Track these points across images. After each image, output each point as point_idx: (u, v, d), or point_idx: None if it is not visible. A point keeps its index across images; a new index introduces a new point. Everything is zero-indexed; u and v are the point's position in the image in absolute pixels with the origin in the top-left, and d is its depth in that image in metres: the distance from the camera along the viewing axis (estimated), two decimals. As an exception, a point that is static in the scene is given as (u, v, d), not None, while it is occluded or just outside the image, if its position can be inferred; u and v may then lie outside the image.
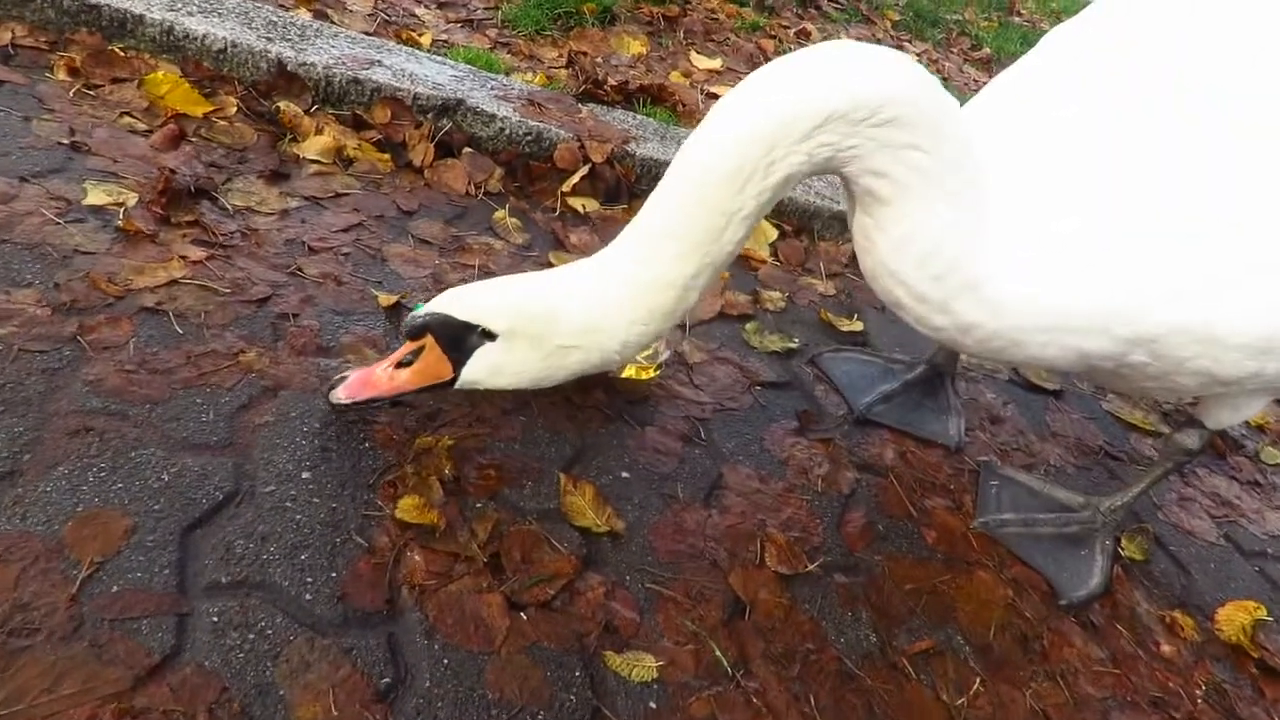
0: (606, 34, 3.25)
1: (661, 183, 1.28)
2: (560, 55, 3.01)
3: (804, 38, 3.85)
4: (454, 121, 2.34)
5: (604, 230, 2.28)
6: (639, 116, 2.63)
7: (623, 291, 1.31)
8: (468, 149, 2.33)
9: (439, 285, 1.88)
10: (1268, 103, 1.31)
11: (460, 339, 1.38)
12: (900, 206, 1.25)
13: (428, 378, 1.42)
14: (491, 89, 2.47)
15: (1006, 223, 1.30)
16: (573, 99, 2.59)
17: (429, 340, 1.40)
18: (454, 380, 1.41)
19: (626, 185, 2.41)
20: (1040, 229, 1.30)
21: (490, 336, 1.36)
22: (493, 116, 2.35)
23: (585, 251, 2.15)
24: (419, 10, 3.01)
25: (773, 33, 3.79)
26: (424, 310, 1.39)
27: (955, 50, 4.55)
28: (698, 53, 3.39)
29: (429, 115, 2.32)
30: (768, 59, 3.53)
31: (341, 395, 1.45)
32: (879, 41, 4.26)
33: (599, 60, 3.06)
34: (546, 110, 2.46)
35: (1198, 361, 1.35)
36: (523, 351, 1.36)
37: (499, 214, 2.18)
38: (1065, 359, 1.38)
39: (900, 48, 4.33)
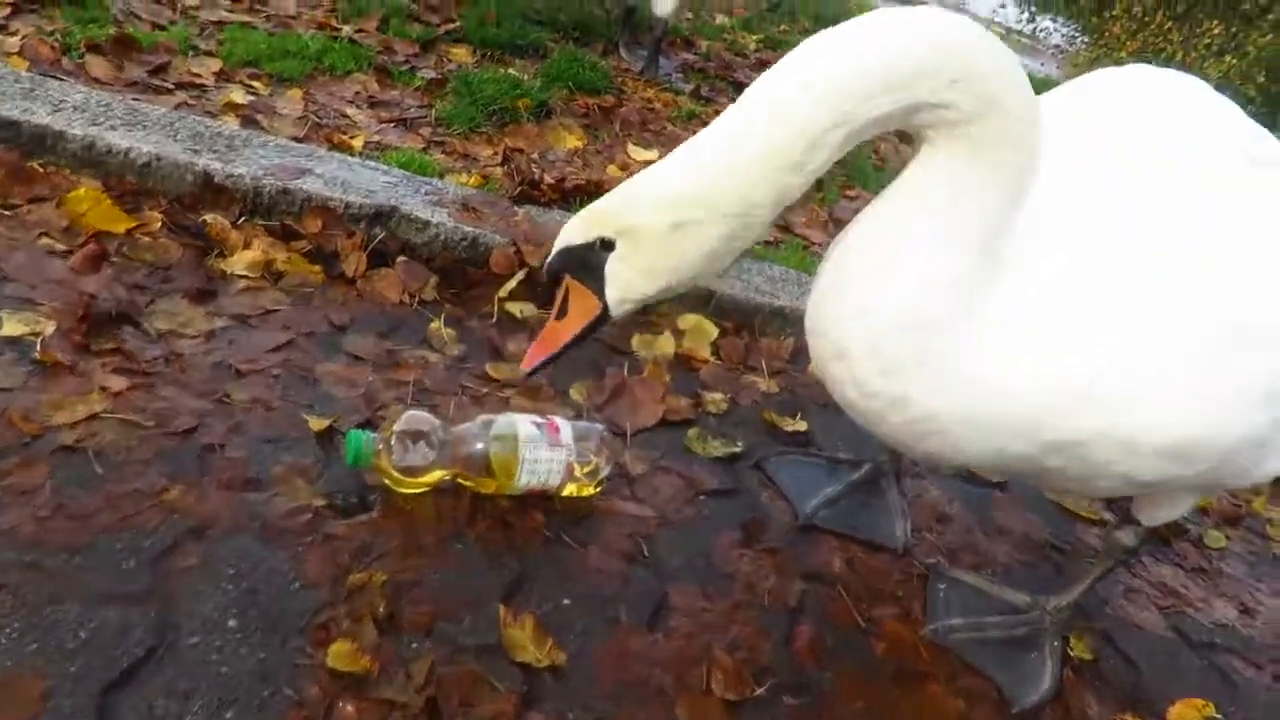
0: (542, 129, 3.34)
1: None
2: (495, 153, 3.08)
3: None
4: (387, 229, 2.38)
5: (542, 336, 2.32)
6: (576, 216, 2.70)
7: (739, 145, 1.26)
8: (401, 257, 2.36)
9: (372, 406, 1.89)
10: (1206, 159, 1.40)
11: (589, 264, 1.37)
12: (942, 218, 1.28)
13: (582, 318, 1.42)
14: (425, 194, 2.52)
15: (995, 303, 1.33)
16: (508, 201, 2.65)
17: (567, 280, 1.41)
18: (606, 310, 1.40)
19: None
20: (1005, 312, 1.33)
21: (610, 246, 1.35)
22: (427, 223, 2.40)
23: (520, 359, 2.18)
24: (350, 111, 3.07)
25: (708, 120, 3.92)
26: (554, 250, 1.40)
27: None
28: (634, 144, 3.49)
29: (361, 224, 2.36)
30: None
31: (525, 367, 1.49)
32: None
33: (535, 156, 3.13)
34: (482, 214, 2.51)
35: (1115, 466, 1.41)
36: (642, 246, 1.33)
37: (434, 324, 2.21)
38: (981, 456, 1.41)
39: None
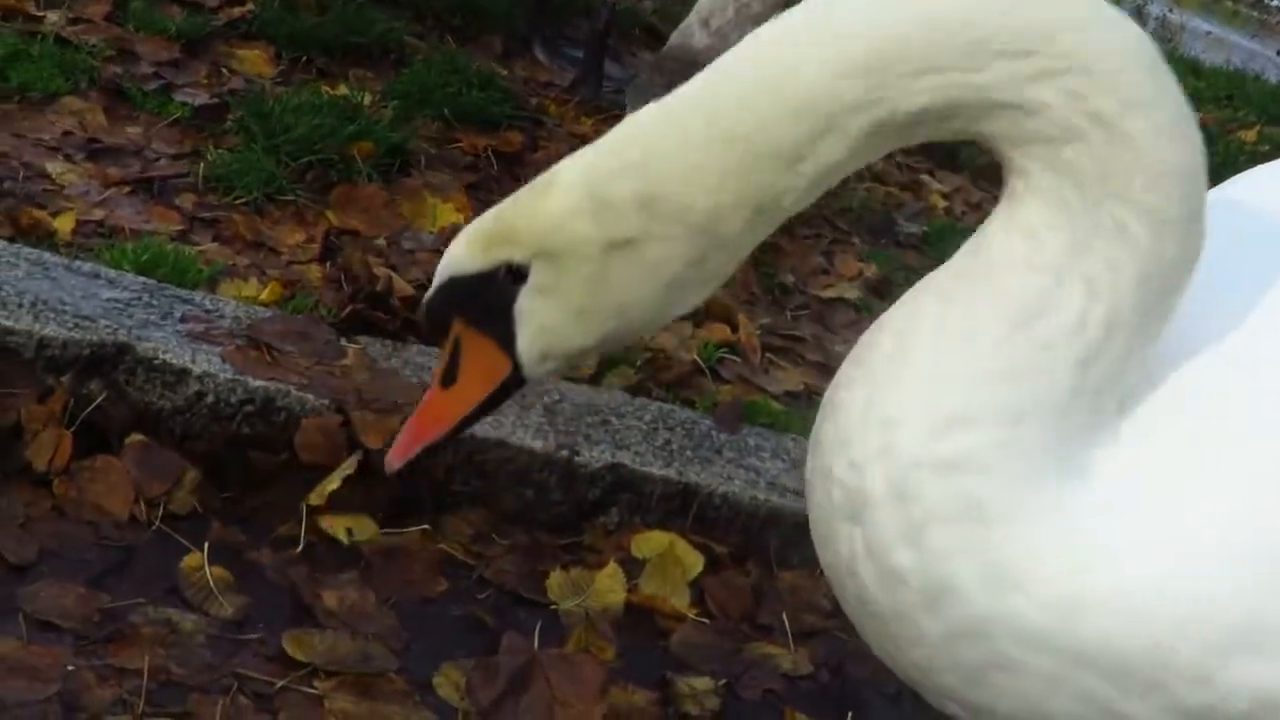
0: (394, 193, 3.44)
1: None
2: (311, 238, 3.16)
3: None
4: (111, 386, 2.42)
5: (385, 576, 2.34)
6: (451, 356, 2.76)
7: (704, 115, 1.41)
8: (136, 435, 2.40)
9: (71, 717, 1.90)
10: None
11: (490, 303, 1.49)
12: (1038, 301, 1.37)
13: (483, 383, 1.54)
14: (182, 320, 2.58)
15: (1111, 455, 1.38)
16: (330, 330, 2.71)
17: (458, 328, 1.53)
18: (519, 371, 1.52)
19: (429, 488, 2.49)
20: (1130, 469, 1.39)
21: (521, 276, 1.47)
22: (184, 372, 2.45)
23: (347, 623, 2.21)
24: (53, 165, 3.15)
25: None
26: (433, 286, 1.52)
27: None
28: (559, 217, 3.60)
29: (65, 377, 2.40)
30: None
31: (394, 460, 1.57)
32: (877, 180, 4.59)
33: (381, 244, 3.22)
34: (282, 355, 2.57)
35: None
36: (569, 274, 1.45)
37: (191, 559, 2.24)
38: None
39: (915, 185, 4.67)
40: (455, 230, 3.34)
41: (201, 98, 3.60)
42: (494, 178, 3.74)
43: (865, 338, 1.53)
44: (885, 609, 1.44)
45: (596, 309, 1.46)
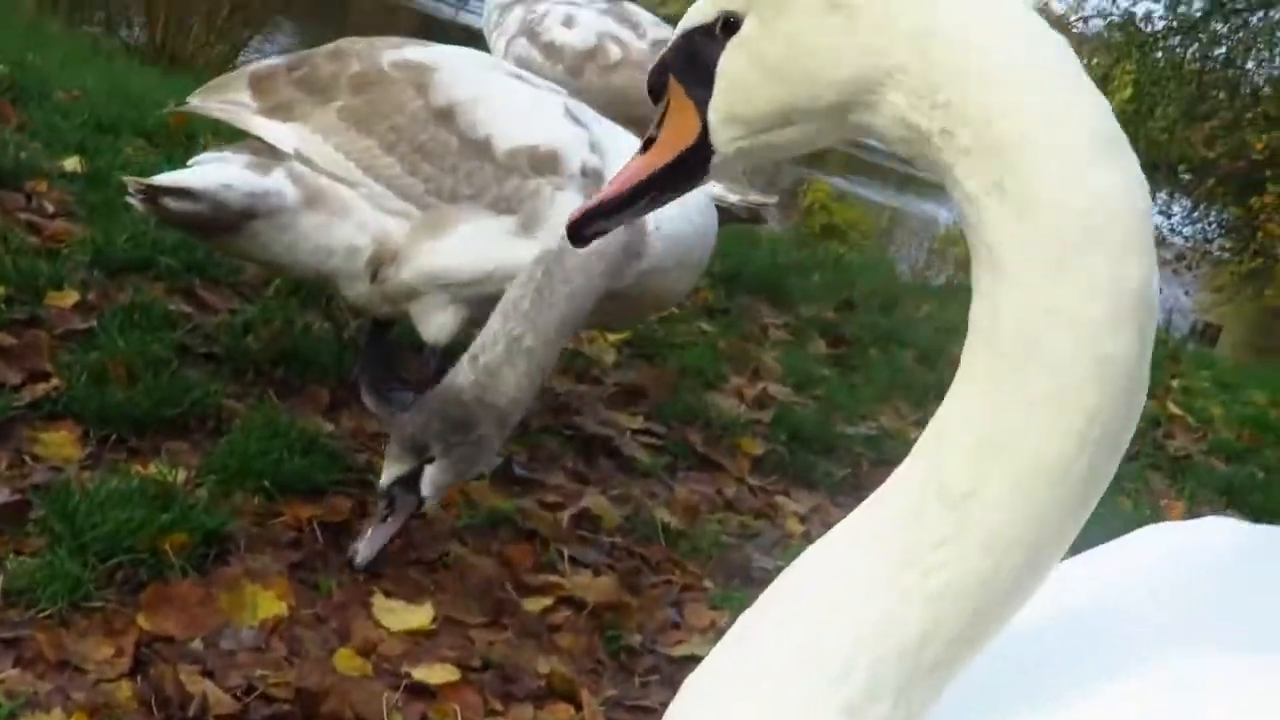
0: (210, 585, 3.48)
1: None
2: (120, 651, 3.18)
3: (585, 523, 4.24)
4: None
5: None
6: (269, 782, 2.81)
7: None
8: None
9: None
10: None
11: (704, 59, 1.65)
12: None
13: (671, 144, 1.70)
14: (-24, 773, 2.60)
15: None
16: (140, 761, 2.75)
17: (671, 86, 1.70)
18: (705, 135, 1.67)
19: None
20: None
21: (734, 28, 1.61)
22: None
23: None
24: None
25: (530, 521, 4.15)
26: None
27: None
28: (388, 594, 3.66)
29: None
30: (521, 585, 3.84)
31: (572, 222, 1.77)
32: (729, 508, 4.74)
33: (197, 647, 3.26)
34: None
35: None
36: (778, 23, 1.56)
37: None
38: None
39: (771, 509, 4.82)
40: (278, 623, 3.42)
41: (2, 495, 3.62)
42: (319, 553, 3.79)
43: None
44: None
45: (791, 73, 1.57)
